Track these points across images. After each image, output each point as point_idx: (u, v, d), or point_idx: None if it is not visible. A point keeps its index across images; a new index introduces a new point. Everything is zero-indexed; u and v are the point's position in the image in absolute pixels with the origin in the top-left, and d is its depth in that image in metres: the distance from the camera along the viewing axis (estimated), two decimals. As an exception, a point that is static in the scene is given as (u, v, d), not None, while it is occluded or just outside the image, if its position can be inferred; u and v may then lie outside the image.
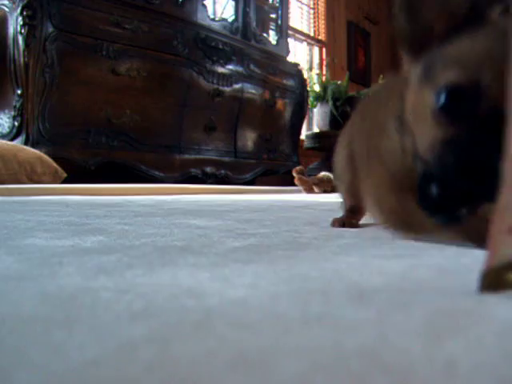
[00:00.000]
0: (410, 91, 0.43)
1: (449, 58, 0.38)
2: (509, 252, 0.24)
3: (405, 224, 0.53)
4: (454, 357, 0.19)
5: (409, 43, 0.42)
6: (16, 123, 2.47)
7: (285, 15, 4.10)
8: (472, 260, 0.44)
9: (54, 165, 2.37)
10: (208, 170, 3.29)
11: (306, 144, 4.42)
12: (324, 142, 4.15)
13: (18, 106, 2.45)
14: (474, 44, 0.37)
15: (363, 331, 0.23)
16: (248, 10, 3.64)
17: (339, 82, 4.42)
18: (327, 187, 2.87)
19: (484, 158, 0.35)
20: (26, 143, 2.43)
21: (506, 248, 0.24)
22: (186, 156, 3.17)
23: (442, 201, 0.41)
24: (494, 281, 0.26)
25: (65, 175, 2.40)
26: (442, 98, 0.37)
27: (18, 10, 2.41)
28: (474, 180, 0.37)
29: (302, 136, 4.36)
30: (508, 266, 0.24)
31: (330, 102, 4.28)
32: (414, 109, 0.43)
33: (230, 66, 3.40)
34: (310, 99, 4.28)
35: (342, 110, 4.24)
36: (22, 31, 2.41)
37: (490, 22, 0.38)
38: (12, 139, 2.46)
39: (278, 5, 4.02)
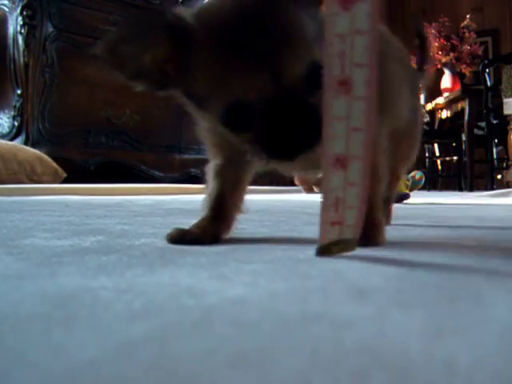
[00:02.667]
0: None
1: (205, 90, 0.46)
2: (332, 236, 0.43)
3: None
4: (454, 355, 0.19)
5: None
6: (16, 123, 2.47)
7: (285, 15, 4.09)
8: (473, 262, 0.44)
9: (54, 165, 2.37)
10: (208, 169, 3.28)
11: (306, 144, 4.41)
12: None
13: (17, 105, 2.45)
14: (208, 69, 0.45)
15: (362, 329, 0.23)
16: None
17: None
18: (327, 187, 2.86)
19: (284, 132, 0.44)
20: (25, 143, 2.43)
21: (330, 234, 0.43)
22: (186, 156, 3.17)
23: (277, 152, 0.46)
24: (325, 251, 0.43)
25: (65, 175, 2.41)
26: (228, 114, 0.45)
27: (18, 10, 2.41)
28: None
29: (302, 136, 4.35)
30: (332, 243, 0.43)
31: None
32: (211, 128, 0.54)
33: (230, 66, 3.40)
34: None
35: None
36: (22, 31, 2.41)
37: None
38: (12, 139, 2.47)
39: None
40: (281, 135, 0.44)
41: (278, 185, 3.35)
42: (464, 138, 3.67)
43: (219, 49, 0.44)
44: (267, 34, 0.42)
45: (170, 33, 0.45)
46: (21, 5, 2.40)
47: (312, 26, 0.44)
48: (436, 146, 4.39)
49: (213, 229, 0.56)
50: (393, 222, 0.81)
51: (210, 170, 0.60)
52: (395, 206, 1.41)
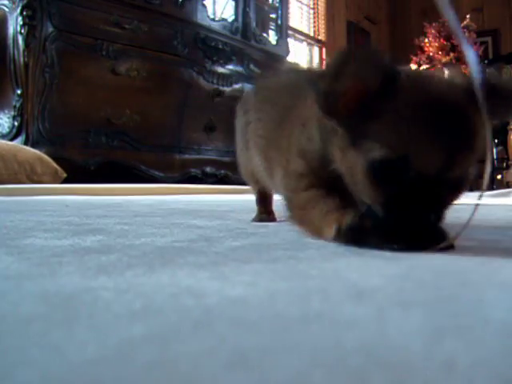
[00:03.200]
0: (338, 147, 0.52)
1: (374, 137, 0.47)
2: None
3: (311, 223, 0.57)
4: (454, 354, 0.19)
5: (327, 108, 0.49)
6: (16, 123, 2.47)
7: (285, 15, 4.10)
8: (473, 262, 0.44)
9: (54, 165, 2.37)
10: (208, 169, 3.29)
11: (306, 144, 4.41)
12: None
13: (17, 105, 2.45)
14: (393, 124, 0.47)
15: (362, 329, 0.23)
16: (248, 9, 3.64)
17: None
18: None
19: (413, 208, 0.46)
20: (25, 143, 2.43)
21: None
22: (186, 156, 3.17)
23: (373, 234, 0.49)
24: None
25: (65, 175, 2.41)
26: (377, 168, 0.47)
27: (18, 10, 2.41)
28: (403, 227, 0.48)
29: (302, 136, 4.35)
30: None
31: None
32: (345, 161, 0.51)
33: (230, 66, 3.40)
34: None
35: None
36: (22, 31, 2.41)
37: (399, 94, 0.47)
38: (12, 139, 2.46)
39: (277, 5, 4.02)
40: (409, 219, 0.47)
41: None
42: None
43: (413, 116, 0.47)
44: (457, 124, 0.47)
45: (381, 76, 0.48)
46: (21, 5, 2.40)
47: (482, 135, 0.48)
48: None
49: None
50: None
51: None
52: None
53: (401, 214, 0.47)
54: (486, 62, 3.59)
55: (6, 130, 2.51)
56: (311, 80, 0.50)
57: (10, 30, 2.45)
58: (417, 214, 0.46)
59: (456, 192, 0.50)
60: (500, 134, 3.39)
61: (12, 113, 2.48)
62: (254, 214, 0.88)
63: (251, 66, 3.57)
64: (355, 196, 0.51)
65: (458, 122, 0.47)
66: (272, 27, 4.03)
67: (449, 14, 0.49)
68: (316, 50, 5.24)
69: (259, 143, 0.75)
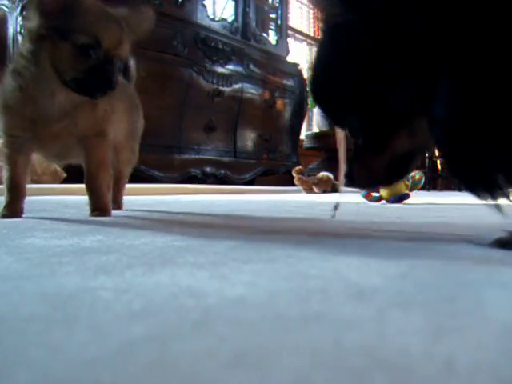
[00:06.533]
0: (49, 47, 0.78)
1: (76, 28, 0.76)
2: None
3: None
4: (454, 354, 0.19)
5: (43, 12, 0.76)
6: (16, 123, 2.46)
7: (284, 15, 4.10)
8: (473, 262, 0.44)
9: (54, 165, 2.36)
10: (208, 169, 3.28)
11: (306, 144, 4.42)
12: (324, 142, 4.15)
13: (17, 106, 2.44)
14: (84, 20, 0.77)
15: (362, 329, 0.23)
16: (248, 9, 3.64)
17: (339, 82, 4.41)
18: (327, 187, 2.87)
19: (105, 75, 0.79)
20: (25, 143, 2.42)
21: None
22: (186, 156, 3.17)
23: None
24: None
25: (65, 175, 2.40)
26: (82, 49, 0.76)
27: (18, 10, 2.41)
28: None
29: (302, 136, 4.36)
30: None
31: (330, 102, 4.28)
32: (56, 53, 0.77)
33: (230, 66, 3.40)
34: (310, 99, 4.28)
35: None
36: (22, 31, 2.40)
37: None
38: (12, 139, 2.46)
39: (277, 5, 4.02)
40: None
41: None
42: (464, 138, 3.66)
43: (98, 13, 0.81)
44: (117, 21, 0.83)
45: None
46: (21, 5, 2.39)
47: None
48: (436, 146, 4.38)
49: None
50: (390, 222, 0.81)
51: None
52: (395, 206, 1.41)
53: (98, 77, 0.77)
54: None
55: (5, 130, 2.50)
56: (29, 4, 0.76)
57: (10, 30, 2.45)
58: (106, 76, 0.78)
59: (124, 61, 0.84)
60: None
61: (12, 113, 2.47)
62: (254, 214, 0.88)
63: (251, 66, 3.57)
64: (59, 77, 0.78)
65: (117, 19, 0.80)
66: (272, 27, 4.03)
67: None
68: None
69: None
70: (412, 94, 0.35)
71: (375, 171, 0.49)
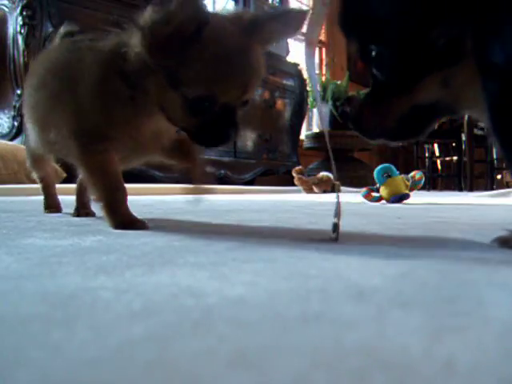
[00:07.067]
0: (156, 85, 0.62)
1: (188, 78, 0.59)
2: None
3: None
4: (454, 354, 0.19)
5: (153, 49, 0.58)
6: (16, 123, 2.46)
7: (285, 15, 4.09)
8: (473, 262, 0.44)
9: (54, 165, 2.36)
10: (208, 169, 3.28)
11: (306, 144, 4.42)
12: (324, 142, 4.15)
13: (17, 105, 2.45)
14: (200, 68, 0.58)
15: (362, 329, 0.23)
16: (248, 10, 3.64)
17: (339, 82, 4.42)
18: (327, 187, 2.87)
19: (222, 129, 0.62)
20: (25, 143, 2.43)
21: None
22: (186, 156, 3.16)
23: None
24: None
25: (64, 175, 2.40)
26: (194, 104, 0.60)
27: (18, 10, 2.41)
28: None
29: (302, 136, 4.36)
30: None
31: (330, 102, 4.28)
32: (163, 99, 0.63)
33: (230, 66, 3.39)
34: (310, 99, 4.28)
35: (341, 109, 4.24)
36: (22, 31, 2.41)
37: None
38: (12, 139, 2.46)
39: (277, 5, 4.02)
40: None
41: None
42: (464, 137, 3.67)
43: (215, 59, 0.60)
44: (245, 59, 0.61)
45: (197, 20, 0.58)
46: (21, 5, 2.39)
47: None
48: (436, 145, 4.38)
49: None
50: (389, 221, 0.81)
51: None
52: (395, 206, 1.41)
53: (213, 131, 0.62)
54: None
55: (5, 130, 2.50)
56: (138, 24, 0.59)
57: (10, 30, 2.45)
58: (223, 130, 0.62)
59: (247, 104, 0.64)
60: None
61: (12, 113, 2.47)
62: (253, 214, 0.88)
63: (251, 66, 3.57)
64: (173, 123, 0.66)
65: (246, 57, 0.60)
66: (272, 27, 4.02)
67: None
68: (316, 50, 5.24)
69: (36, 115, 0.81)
70: (460, 30, 0.28)
71: (388, 120, 0.44)
